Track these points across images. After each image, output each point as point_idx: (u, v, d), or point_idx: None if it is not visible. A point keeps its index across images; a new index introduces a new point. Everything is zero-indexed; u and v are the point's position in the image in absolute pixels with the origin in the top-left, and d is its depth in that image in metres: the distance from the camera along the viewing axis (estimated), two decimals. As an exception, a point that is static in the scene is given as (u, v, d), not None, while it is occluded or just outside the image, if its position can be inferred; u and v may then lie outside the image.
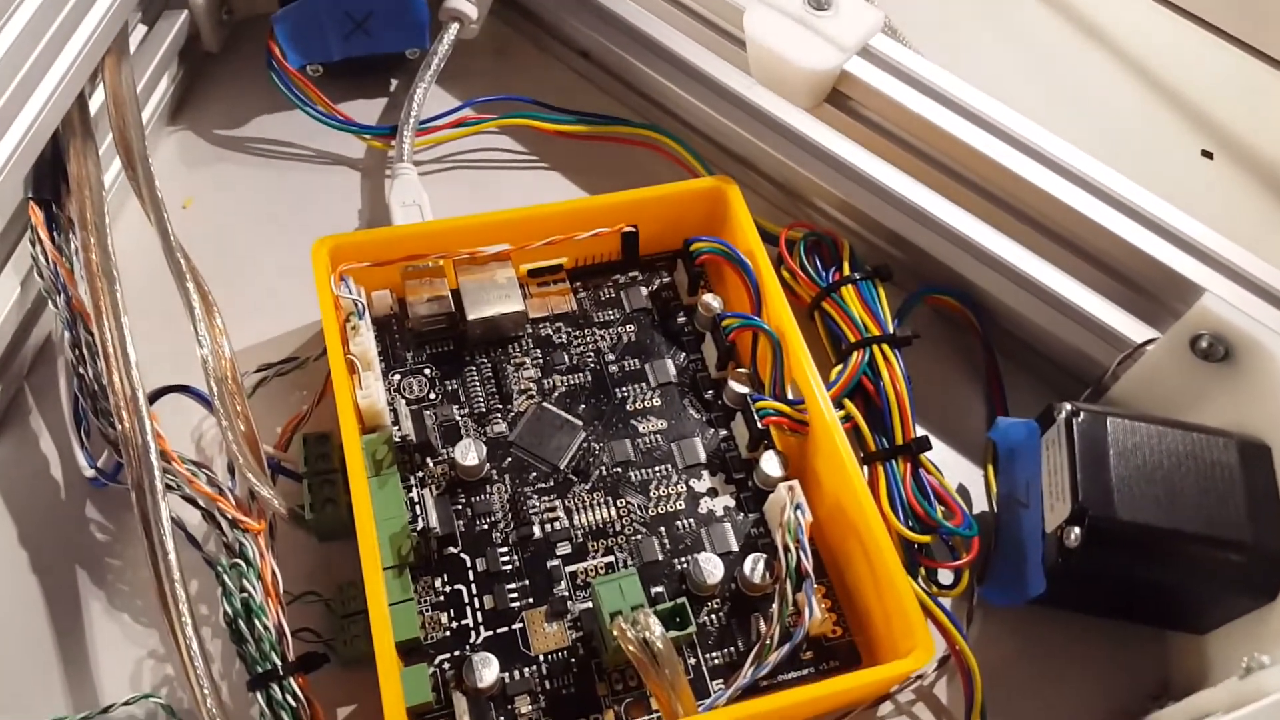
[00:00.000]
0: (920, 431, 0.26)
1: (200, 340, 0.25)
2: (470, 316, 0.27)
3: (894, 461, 0.25)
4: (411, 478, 0.25)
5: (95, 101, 0.29)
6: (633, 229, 0.28)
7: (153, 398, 0.24)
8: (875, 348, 0.27)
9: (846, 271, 0.28)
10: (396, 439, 0.26)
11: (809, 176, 0.31)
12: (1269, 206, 0.35)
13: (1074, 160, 0.26)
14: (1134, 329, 0.27)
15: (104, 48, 0.28)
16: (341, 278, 0.26)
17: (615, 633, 0.22)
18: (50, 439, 0.26)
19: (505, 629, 0.24)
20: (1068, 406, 0.23)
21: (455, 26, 0.32)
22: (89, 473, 0.25)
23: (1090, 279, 0.27)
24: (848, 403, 0.26)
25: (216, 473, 0.24)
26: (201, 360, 0.25)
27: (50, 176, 0.27)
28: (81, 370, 0.25)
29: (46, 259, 0.26)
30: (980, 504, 0.28)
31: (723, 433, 0.27)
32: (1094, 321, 0.28)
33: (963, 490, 0.28)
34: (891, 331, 0.27)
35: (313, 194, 0.32)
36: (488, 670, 0.22)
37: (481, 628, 0.24)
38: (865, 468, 0.26)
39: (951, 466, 0.28)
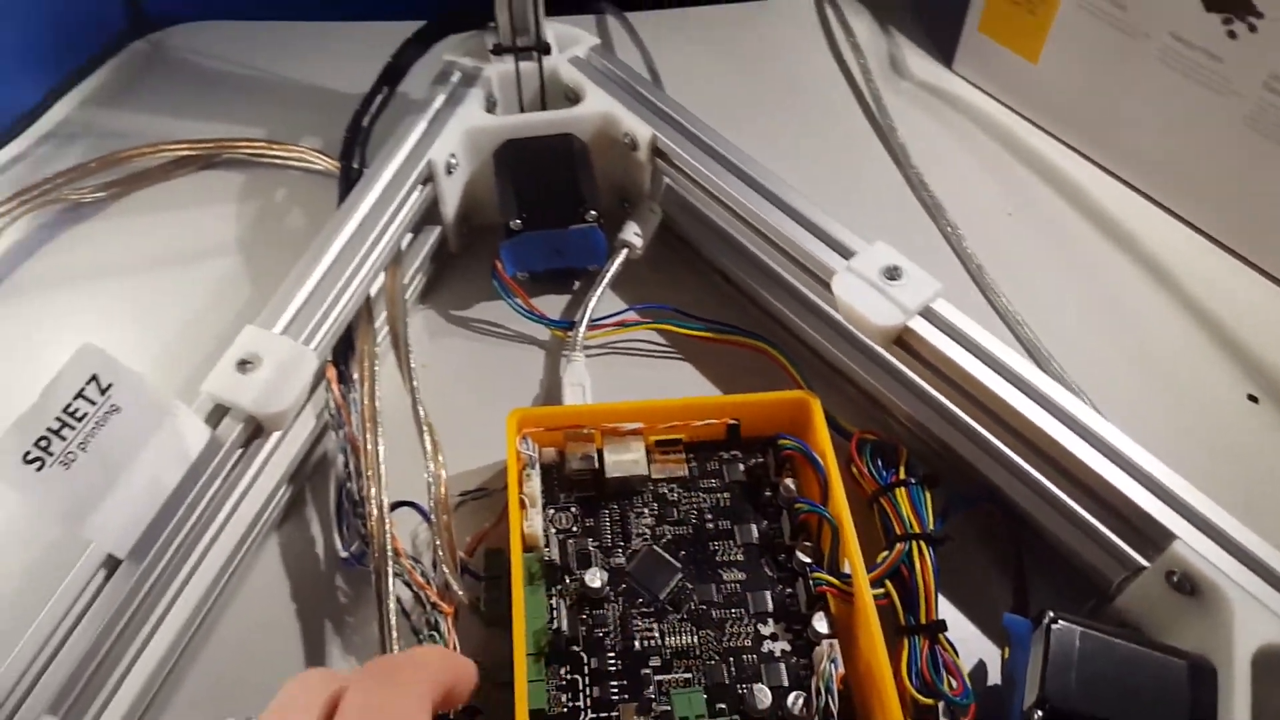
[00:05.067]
0: (942, 615, 0.33)
1: (429, 472, 0.36)
2: (609, 474, 0.36)
3: (917, 637, 0.32)
4: (553, 589, 0.33)
5: (374, 286, 0.42)
6: (735, 422, 0.37)
7: (392, 507, 0.35)
8: (914, 543, 0.34)
9: (902, 475, 0.36)
10: (546, 559, 0.34)
11: (882, 390, 0.39)
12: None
13: (1087, 419, 0.32)
14: (1136, 554, 0.33)
15: (386, 262, 0.41)
16: (523, 437, 0.37)
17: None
18: (319, 527, 0.38)
19: (605, 715, 0.30)
20: (1050, 614, 0.30)
21: (625, 251, 0.44)
22: (343, 555, 0.35)
23: (1098, 511, 0.33)
24: (888, 583, 0.33)
25: (424, 564, 0.35)
26: (427, 485, 0.36)
27: (341, 346, 0.39)
28: (348, 484, 0.36)
29: (333, 404, 0.38)
30: (996, 678, 0.34)
31: (788, 590, 0.33)
32: (1106, 541, 0.34)
33: (982, 665, 0.34)
34: (930, 531, 0.34)
35: (510, 364, 0.43)
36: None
37: (589, 711, 0.30)
38: (898, 637, 0.33)
39: (976, 642, 0.34)
